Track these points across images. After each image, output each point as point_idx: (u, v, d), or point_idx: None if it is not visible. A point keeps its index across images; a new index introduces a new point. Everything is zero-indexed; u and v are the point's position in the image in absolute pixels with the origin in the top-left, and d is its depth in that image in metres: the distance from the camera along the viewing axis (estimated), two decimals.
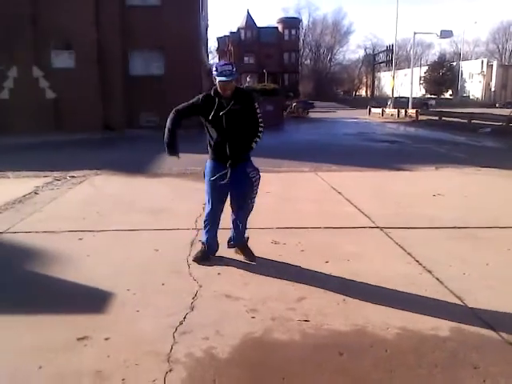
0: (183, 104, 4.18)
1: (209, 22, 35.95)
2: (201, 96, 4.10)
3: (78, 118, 20.09)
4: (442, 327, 3.20)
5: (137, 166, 10.57)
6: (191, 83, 22.18)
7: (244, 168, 4.12)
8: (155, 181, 8.89)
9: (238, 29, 67.87)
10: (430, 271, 4.18)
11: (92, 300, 3.62)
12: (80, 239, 5.04)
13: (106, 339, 3.02)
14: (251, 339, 3.05)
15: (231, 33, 69.17)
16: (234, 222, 4.42)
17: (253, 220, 5.74)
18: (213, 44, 71.66)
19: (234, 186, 4.16)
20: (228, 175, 4.07)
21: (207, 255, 4.38)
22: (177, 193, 7.58)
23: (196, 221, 5.66)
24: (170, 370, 2.70)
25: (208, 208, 4.32)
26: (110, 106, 21.30)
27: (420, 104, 42.58)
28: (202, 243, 4.42)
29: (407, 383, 2.62)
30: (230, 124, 3.99)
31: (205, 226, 4.38)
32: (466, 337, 3.10)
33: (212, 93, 4.02)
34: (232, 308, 3.48)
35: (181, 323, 3.22)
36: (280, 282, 3.96)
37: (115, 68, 21.53)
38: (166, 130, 4.17)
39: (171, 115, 4.17)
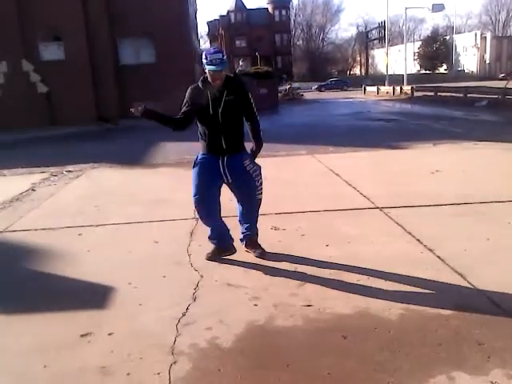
0: (182, 108, 3.90)
1: (197, 7, 35.58)
2: (189, 89, 3.88)
3: (71, 110, 19.98)
4: (445, 305, 3.20)
5: (133, 157, 10.53)
6: (183, 69, 22.02)
7: (240, 161, 3.92)
8: (152, 171, 8.86)
9: (228, 12, 67.23)
10: (430, 249, 4.17)
11: (94, 295, 3.62)
12: (80, 235, 5.03)
13: (110, 334, 3.02)
14: (255, 327, 3.05)
15: (221, 16, 68.57)
16: (241, 218, 4.20)
17: None
18: (203, 29, 71.05)
19: (235, 184, 4.00)
20: (223, 169, 3.89)
21: (219, 252, 4.20)
22: (174, 182, 7.55)
23: (194, 210, 5.63)
24: (175, 362, 2.70)
25: (194, 200, 4.09)
26: (103, 98, 21.16)
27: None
28: (210, 241, 4.24)
29: (411, 363, 2.62)
30: (225, 116, 3.79)
31: (204, 223, 4.21)
32: (470, 314, 3.09)
33: (201, 84, 3.82)
34: (234, 296, 3.47)
35: (183, 314, 3.21)
36: (281, 267, 3.95)
37: (105, 57, 21.35)
38: (167, 118, 3.95)
39: (176, 118, 3.94)
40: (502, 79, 41.94)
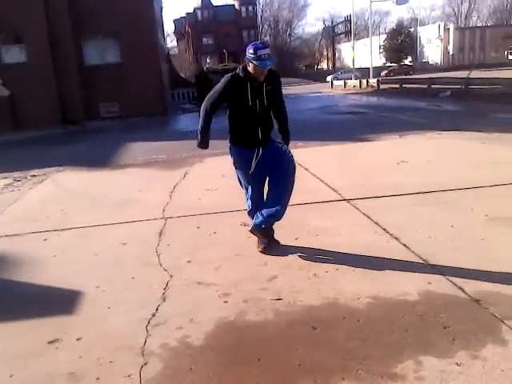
0: (212, 94, 3.81)
1: (163, 5, 35.21)
2: (227, 80, 3.72)
3: (35, 114, 19.49)
4: (411, 292, 3.27)
5: (100, 159, 10.36)
6: (150, 69, 21.81)
7: (273, 145, 3.91)
8: (120, 172, 8.73)
9: (194, 9, 66.77)
10: (397, 238, 4.25)
11: (61, 301, 3.56)
12: (45, 240, 4.92)
13: (78, 339, 2.98)
14: (225, 323, 3.06)
15: (187, 14, 68.04)
16: (269, 202, 4.01)
17: (220, 203, 5.76)
18: (169, 27, 70.33)
19: (273, 166, 3.90)
20: (260, 156, 3.85)
21: (270, 240, 4.16)
22: (143, 183, 7.47)
23: (164, 210, 5.61)
24: (145, 364, 2.68)
25: (248, 196, 4.07)
26: (67, 100, 20.71)
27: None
28: (257, 231, 4.15)
29: (380, 350, 2.67)
30: (263, 107, 3.76)
31: (252, 215, 4.14)
32: (435, 299, 3.18)
33: (242, 74, 3.69)
34: (204, 294, 3.47)
35: (153, 315, 3.19)
36: (251, 263, 3.97)
37: (69, 58, 20.86)
38: (200, 129, 3.92)
39: (204, 111, 3.86)
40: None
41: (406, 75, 45.23)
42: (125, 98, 21.25)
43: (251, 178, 3.97)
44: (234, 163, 4.00)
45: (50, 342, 2.95)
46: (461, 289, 3.27)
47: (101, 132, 17.32)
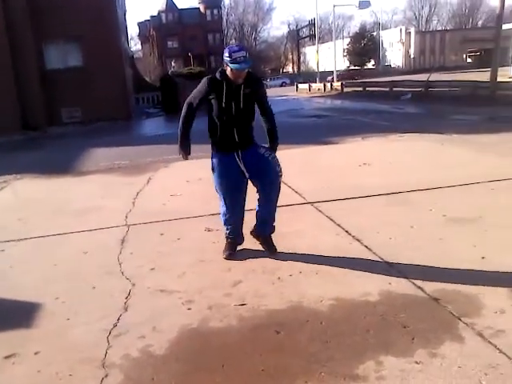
0: (193, 95, 3.80)
1: (126, 8, 34.80)
2: (205, 81, 3.73)
3: None
4: (373, 293, 3.32)
5: (62, 165, 10.10)
6: (113, 73, 21.48)
7: (255, 151, 3.86)
8: (82, 179, 8.55)
9: (159, 12, 66.18)
10: (359, 240, 4.32)
11: (18, 314, 3.44)
12: (2, 250, 4.76)
13: (36, 353, 2.89)
14: (188, 331, 3.03)
15: (152, 17, 67.39)
16: (260, 211, 4.07)
17: (185, 209, 5.72)
18: (133, 30, 69.48)
19: (256, 174, 3.88)
20: (240, 163, 3.81)
21: (234, 247, 4.18)
22: (105, 190, 7.34)
23: (126, 217, 5.53)
24: (106, 376, 2.62)
25: (222, 203, 4.04)
26: (28, 105, 20.12)
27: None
28: (226, 237, 4.19)
29: (342, 351, 2.70)
30: (239, 110, 3.72)
31: (224, 222, 4.13)
32: (395, 299, 3.24)
33: (218, 76, 3.68)
34: (167, 302, 3.43)
35: (115, 325, 3.13)
36: (215, 269, 3.95)
37: (30, 63, 20.29)
38: (179, 131, 3.88)
39: (184, 112, 3.83)
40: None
41: (352, 79, 45.60)
42: (88, 102, 20.85)
43: (228, 188, 3.93)
44: (212, 169, 3.94)
45: (6, 357, 2.85)
46: (420, 288, 3.34)
47: (63, 138, 16.94)
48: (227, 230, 4.15)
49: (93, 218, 5.69)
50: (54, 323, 3.25)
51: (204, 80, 3.76)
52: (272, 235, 4.18)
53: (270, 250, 4.15)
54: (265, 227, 4.12)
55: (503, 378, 2.35)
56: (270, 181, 3.90)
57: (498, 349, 2.58)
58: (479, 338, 2.71)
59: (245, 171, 3.86)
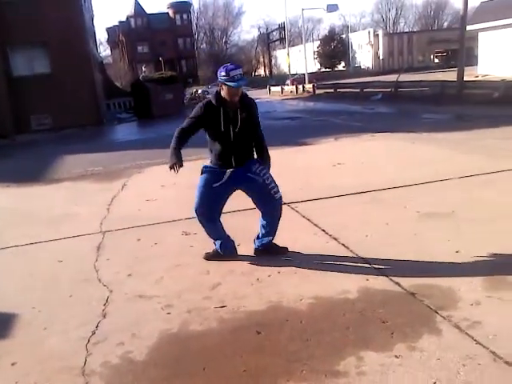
0: (187, 121, 3.78)
1: (94, 13, 34.35)
2: (202, 106, 3.74)
3: None
4: (351, 290, 3.36)
5: (33, 173, 9.88)
6: (83, 78, 21.19)
7: (248, 166, 3.85)
8: (54, 187, 8.38)
9: (127, 17, 65.57)
10: (335, 238, 4.37)
11: None
12: None
13: (13, 364, 2.83)
14: (168, 336, 3.01)
15: (120, 22, 66.73)
16: (263, 226, 4.04)
17: (161, 214, 5.67)
18: (102, 35, 68.72)
19: (249, 190, 3.93)
20: (227, 178, 3.82)
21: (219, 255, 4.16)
22: (79, 197, 7.22)
23: (101, 223, 5.45)
24: (86, 383, 2.58)
25: (195, 207, 3.96)
26: None
27: None
28: (215, 249, 4.16)
29: (322, 349, 2.72)
30: (237, 134, 3.73)
31: (208, 233, 4.09)
32: (373, 295, 3.28)
33: (214, 101, 3.69)
34: (146, 308, 3.40)
35: (93, 333, 3.09)
36: (193, 272, 3.93)
37: None
38: (171, 149, 3.74)
39: (176, 136, 3.77)
40: None
41: (318, 81, 45.63)
42: (57, 109, 20.50)
43: (212, 191, 3.87)
44: (202, 173, 3.93)
45: None
46: (397, 284, 3.40)
47: (33, 145, 16.58)
48: (218, 245, 4.12)
49: (67, 226, 5.58)
50: (30, 333, 3.19)
51: (200, 105, 3.77)
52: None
53: (282, 253, 4.12)
54: (268, 242, 4.10)
55: (481, 368, 2.41)
56: (271, 208, 3.93)
57: (475, 340, 2.64)
58: (456, 330, 2.77)
59: (233, 184, 3.86)
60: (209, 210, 3.97)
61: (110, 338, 3.02)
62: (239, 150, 3.82)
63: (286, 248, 4.16)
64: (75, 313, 3.39)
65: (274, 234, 4.07)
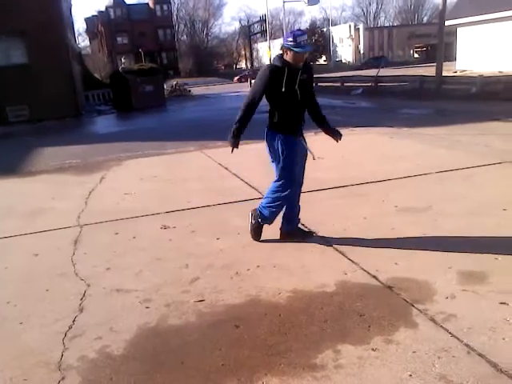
0: (255, 88, 3.84)
1: (72, 2, 33.70)
2: (268, 69, 3.78)
3: None
4: (329, 284, 3.39)
5: (9, 166, 9.67)
6: (61, 69, 20.76)
7: (304, 139, 4.05)
8: (31, 180, 8.22)
9: (106, 7, 64.59)
10: (315, 232, 4.39)
11: None
12: None
13: None
14: (147, 330, 2.99)
15: (99, 12, 65.72)
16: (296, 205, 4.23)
17: (140, 207, 5.63)
18: (81, 26, 67.57)
19: (302, 158, 4.09)
20: (305, 145, 4.05)
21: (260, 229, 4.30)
22: (56, 190, 7.10)
23: (79, 217, 5.38)
24: (63, 378, 2.56)
25: (288, 187, 4.03)
26: None
27: None
28: (262, 219, 4.23)
29: (301, 342, 2.74)
30: (303, 94, 3.85)
31: (276, 206, 4.12)
32: (351, 288, 3.32)
33: (280, 63, 3.75)
34: (124, 302, 3.37)
35: (70, 327, 3.05)
36: (172, 266, 3.91)
37: None
38: (238, 123, 3.88)
39: (243, 115, 3.86)
40: None
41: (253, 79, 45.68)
42: (34, 100, 20.07)
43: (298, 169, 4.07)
44: (283, 152, 3.93)
45: None
46: (375, 277, 3.44)
47: (9, 137, 16.22)
48: (272, 215, 4.17)
49: (43, 220, 5.49)
50: (6, 328, 3.14)
51: (265, 69, 3.83)
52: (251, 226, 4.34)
53: (308, 237, 4.23)
54: (293, 223, 4.25)
55: (455, 360, 2.46)
56: (302, 181, 4.18)
57: (450, 333, 2.69)
58: (432, 323, 2.82)
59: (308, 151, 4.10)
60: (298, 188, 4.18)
61: (88, 332, 2.99)
62: (302, 110, 3.95)
63: (311, 233, 4.32)
64: (52, 307, 3.35)
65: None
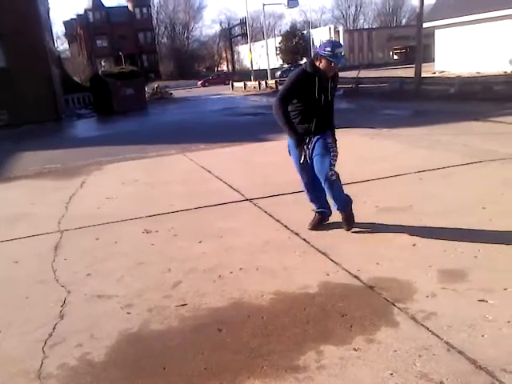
0: (285, 90, 3.99)
1: (50, 5, 33.31)
2: (300, 75, 3.94)
3: None
4: (312, 285, 3.40)
5: None
6: (40, 73, 20.53)
7: (324, 137, 4.11)
8: (9, 185, 8.09)
9: (85, 10, 64.05)
10: (297, 233, 4.41)
11: None
12: None
13: None
14: (128, 336, 2.96)
15: (78, 15, 65.08)
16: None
17: (121, 211, 5.58)
18: (59, 29, 66.85)
19: (313, 158, 4.16)
20: (309, 145, 4.11)
21: (321, 221, 4.49)
22: (36, 195, 7.00)
23: (59, 222, 5.31)
24: None
25: (302, 184, 4.49)
26: None
27: None
28: (315, 212, 4.52)
29: (283, 344, 2.74)
30: (326, 101, 4.00)
31: (312, 201, 4.50)
32: (333, 289, 3.33)
33: (311, 70, 3.89)
34: (106, 308, 3.33)
35: (50, 335, 3.01)
36: (155, 271, 3.89)
37: None
38: (285, 125, 4.00)
39: (280, 108, 3.95)
40: None
41: (224, 84, 44.18)
42: (13, 105, 19.79)
43: (301, 167, 4.24)
44: (289, 152, 4.32)
45: None
46: (356, 277, 3.46)
47: None
48: (313, 205, 4.53)
49: (23, 226, 5.41)
50: None
51: (297, 73, 3.98)
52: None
53: (347, 225, 4.35)
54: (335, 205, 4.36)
55: (436, 358, 2.48)
56: (320, 170, 4.20)
57: (431, 331, 2.72)
58: (412, 321, 2.84)
59: (308, 156, 4.15)
60: (312, 179, 4.33)
61: (68, 339, 2.95)
62: (323, 116, 4.07)
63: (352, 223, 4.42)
64: (32, 315, 3.30)
65: (343, 203, 4.32)
